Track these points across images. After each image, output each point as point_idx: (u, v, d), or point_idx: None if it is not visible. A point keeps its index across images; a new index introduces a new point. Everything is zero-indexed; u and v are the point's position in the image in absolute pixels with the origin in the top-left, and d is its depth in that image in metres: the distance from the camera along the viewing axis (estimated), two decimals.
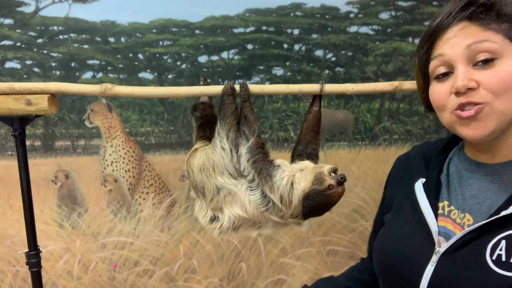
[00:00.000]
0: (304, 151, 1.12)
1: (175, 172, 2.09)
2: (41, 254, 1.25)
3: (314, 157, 1.12)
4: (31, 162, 1.24)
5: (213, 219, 1.09)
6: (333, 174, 1.00)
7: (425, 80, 0.92)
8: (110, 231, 2.07)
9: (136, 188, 2.07)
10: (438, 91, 0.88)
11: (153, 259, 2.09)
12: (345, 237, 2.09)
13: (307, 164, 1.07)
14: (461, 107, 0.83)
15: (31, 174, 1.22)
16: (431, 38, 0.87)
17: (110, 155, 2.05)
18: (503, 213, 0.81)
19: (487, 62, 0.82)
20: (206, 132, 1.16)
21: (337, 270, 2.14)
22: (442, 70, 0.86)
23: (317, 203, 1.00)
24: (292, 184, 1.01)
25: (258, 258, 2.13)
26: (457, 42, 0.83)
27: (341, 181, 0.99)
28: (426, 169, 1.01)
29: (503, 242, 0.80)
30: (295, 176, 1.02)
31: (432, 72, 0.88)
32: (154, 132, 2.08)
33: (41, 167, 2.03)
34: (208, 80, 2.17)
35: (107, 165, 2.06)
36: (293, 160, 1.13)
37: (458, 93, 0.83)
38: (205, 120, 1.17)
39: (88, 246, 2.06)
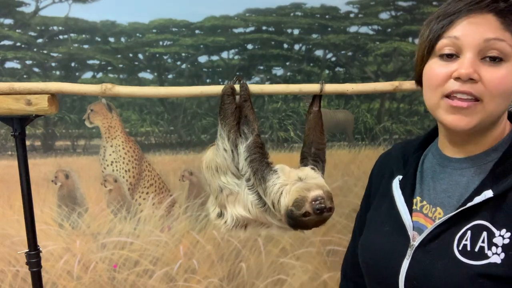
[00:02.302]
0: (309, 152, 1.12)
1: (175, 172, 2.09)
2: (41, 254, 1.25)
3: (318, 160, 1.10)
4: (31, 162, 1.24)
5: (220, 215, 1.11)
6: (313, 202, 0.97)
7: (428, 53, 0.90)
8: (110, 231, 2.07)
9: (136, 188, 2.08)
10: (438, 70, 0.87)
11: (153, 259, 2.09)
12: (345, 237, 2.09)
13: (307, 172, 1.06)
14: (456, 93, 0.84)
15: (31, 174, 1.22)
16: (453, 16, 0.86)
17: (110, 155, 2.05)
18: (469, 204, 0.84)
19: (494, 60, 0.82)
20: None
21: (337, 270, 2.14)
22: (447, 50, 0.86)
23: (293, 224, 1.01)
24: (281, 193, 1.00)
25: (258, 258, 2.13)
26: (477, 31, 0.83)
27: (317, 212, 0.97)
28: (404, 167, 1.03)
29: (469, 233, 0.83)
30: (286, 187, 1.01)
31: (439, 49, 0.88)
32: (154, 132, 2.08)
33: (41, 167, 2.03)
34: (208, 80, 2.18)
35: (107, 165, 2.06)
36: (301, 162, 1.12)
37: (458, 79, 0.83)
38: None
39: (88, 246, 2.06)
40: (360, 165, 2.14)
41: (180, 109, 2.08)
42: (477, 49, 0.83)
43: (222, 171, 1.08)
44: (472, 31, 0.83)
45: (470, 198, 0.85)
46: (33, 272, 1.24)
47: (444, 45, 0.87)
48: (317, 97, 1.14)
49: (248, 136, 1.05)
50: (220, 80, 2.06)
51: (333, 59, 2.10)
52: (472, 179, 0.89)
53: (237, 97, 1.10)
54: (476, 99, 0.83)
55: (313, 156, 1.11)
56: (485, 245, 0.80)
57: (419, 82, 0.95)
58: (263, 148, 1.06)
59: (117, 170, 2.06)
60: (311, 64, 2.10)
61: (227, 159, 1.07)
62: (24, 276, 2.04)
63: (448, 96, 0.85)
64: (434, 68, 0.88)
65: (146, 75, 2.04)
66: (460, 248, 0.82)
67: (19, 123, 1.16)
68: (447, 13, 0.87)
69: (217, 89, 1.11)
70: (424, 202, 0.95)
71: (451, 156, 0.94)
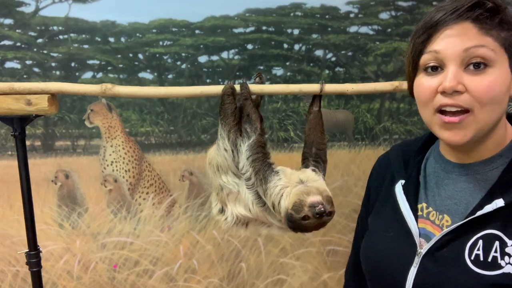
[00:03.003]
0: (310, 153, 1.11)
1: (175, 172, 2.09)
2: (41, 254, 1.25)
3: (320, 160, 1.10)
4: (31, 162, 1.24)
5: (222, 211, 1.11)
6: (312, 207, 0.97)
7: (414, 69, 0.91)
8: (110, 231, 2.07)
9: (136, 188, 2.07)
10: (425, 86, 0.87)
11: (153, 259, 2.09)
12: (345, 237, 2.09)
13: (308, 175, 1.05)
14: (444, 106, 0.83)
15: (31, 174, 1.22)
16: (431, 29, 0.86)
17: (110, 155, 2.05)
18: (479, 213, 0.83)
19: (478, 67, 0.81)
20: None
21: (337, 270, 2.14)
22: (432, 63, 0.86)
23: (293, 227, 1.00)
24: (282, 195, 1.00)
25: (258, 258, 2.13)
26: (456, 42, 0.82)
27: (317, 217, 0.97)
28: (405, 170, 1.02)
29: (480, 242, 0.82)
30: (287, 189, 1.00)
31: (423, 64, 0.88)
32: (154, 132, 2.08)
33: (41, 167, 2.03)
34: (208, 80, 2.18)
35: (107, 165, 2.06)
36: (302, 163, 1.12)
37: (444, 93, 0.83)
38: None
39: (88, 246, 2.06)
40: (360, 165, 2.14)
41: (180, 109, 2.08)
42: (459, 60, 0.82)
43: (223, 170, 1.08)
44: (451, 43, 0.83)
45: (480, 206, 0.84)
46: (33, 272, 1.24)
47: (426, 59, 0.86)
48: (317, 97, 1.14)
49: (251, 135, 1.04)
50: (220, 80, 2.06)
51: (333, 59, 2.10)
52: (478, 186, 0.88)
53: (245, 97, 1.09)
54: (466, 110, 0.82)
55: (314, 157, 1.10)
56: (498, 255, 0.80)
57: (413, 95, 0.95)
58: (265, 148, 1.05)
59: (117, 170, 2.06)
60: (311, 64, 2.10)
61: (228, 159, 1.07)
62: (24, 276, 2.04)
63: (440, 111, 0.85)
64: (421, 84, 0.88)
65: (146, 75, 2.04)
66: (472, 258, 0.81)
67: (19, 123, 1.16)
68: (425, 27, 0.87)
69: (217, 89, 1.11)
70: (430, 209, 0.94)
71: (455, 162, 0.93)
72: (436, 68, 0.86)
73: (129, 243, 2.07)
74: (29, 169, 1.22)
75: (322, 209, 0.96)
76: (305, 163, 1.10)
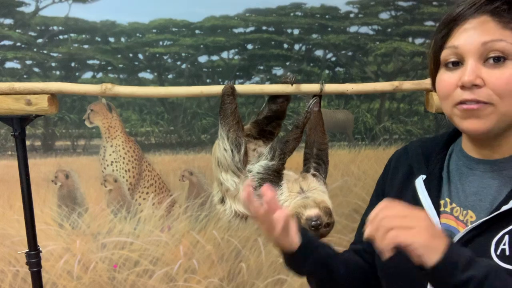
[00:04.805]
0: (311, 154, 1.11)
1: (175, 172, 2.09)
2: (41, 254, 1.25)
3: (321, 162, 1.10)
4: (31, 162, 1.24)
5: (222, 200, 1.13)
6: (308, 220, 0.98)
7: (436, 65, 0.91)
8: (110, 231, 2.07)
9: (136, 188, 2.07)
10: (445, 81, 0.88)
11: (153, 259, 2.09)
12: (345, 237, 2.09)
13: (309, 182, 1.06)
14: (464, 102, 0.83)
15: (31, 174, 1.22)
16: (450, 24, 0.87)
17: (110, 155, 2.05)
18: (504, 208, 0.82)
19: (498, 61, 0.82)
20: (262, 125, 1.17)
21: None
22: (452, 58, 0.86)
23: None
24: None
25: (258, 258, 2.13)
26: (474, 36, 0.83)
27: (313, 229, 0.98)
28: (426, 166, 1.00)
29: (507, 237, 0.81)
30: (286, 203, 1.02)
31: (443, 59, 0.88)
32: (154, 132, 2.08)
33: (41, 167, 2.03)
34: (208, 80, 2.17)
35: (107, 165, 2.06)
36: (304, 164, 1.12)
37: (463, 87, 0.83)
38: (274, 115, 1.17)
39: (88, 246, 2.06)
40: (360, 165, 2.14)
41: (180, 109, 2.08)
42: (477, 54, 0.82)
43: (223, 168, 1.10)
44: (469, 37, 0.83)
45: (505, 201, 0.83)
46: (33, 272, 1.24)
47: (447, 55, 0.87)
48: (317, 97, 1.14)
49: (275, 159, 1.06)
50: (220, 80, 2.06)
51: (333, 59, 2.10)
52: (504, 182, 0.87)
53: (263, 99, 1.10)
54: (486, 103, 0.82)
55: (316, 158, 1.11)
56: None
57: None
58: (280, 172, 1.06)
59: (117, 170, 2.06)
60: (311, 64, 2.10)
61: (227, 159, 1.08)
62: (24, 276, 2.04)
63: (459, 103, 0.85)
64: (442, 80, 0.89)
65: (146, 75, 2.04)
66: (498, 253, 0.80)
67: (19, 123, 1.16)
68: (446, 22, 0.88)
69: (217, 89, 1.11)
70: (454, 205, 0.93)
71: (479, 158, 0.92)
72: (457, 63, 0.86)
73: (129, 243, 2.07)
74: (29, 169, 1.22)
75: (318, 222, 0.98)
76: (306, 165, 1.11)
